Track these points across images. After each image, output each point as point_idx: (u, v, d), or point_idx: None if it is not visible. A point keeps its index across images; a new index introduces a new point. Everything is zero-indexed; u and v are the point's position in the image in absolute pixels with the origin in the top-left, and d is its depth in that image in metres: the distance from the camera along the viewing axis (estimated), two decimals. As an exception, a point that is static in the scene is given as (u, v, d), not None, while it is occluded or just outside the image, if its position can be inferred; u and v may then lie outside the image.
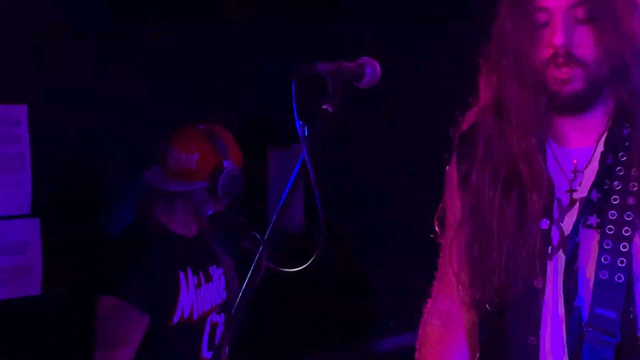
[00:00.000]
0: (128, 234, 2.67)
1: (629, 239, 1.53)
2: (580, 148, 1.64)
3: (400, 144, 3.56)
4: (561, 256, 1.60)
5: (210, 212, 2.62)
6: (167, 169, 2.63)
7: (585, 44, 1.54)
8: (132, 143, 3.13)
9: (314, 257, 1.45)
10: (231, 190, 2.61)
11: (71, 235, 2.93)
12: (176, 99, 3.30)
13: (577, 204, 1.62)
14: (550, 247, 1.61)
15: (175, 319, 2.56)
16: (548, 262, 1.60)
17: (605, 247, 1.55)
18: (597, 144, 1.61)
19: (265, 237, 1.44)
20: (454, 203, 1.73)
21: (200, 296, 2.64)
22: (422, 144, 3.19)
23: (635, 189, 1.55)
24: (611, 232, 1.56)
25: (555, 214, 1.62)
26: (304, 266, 1.47)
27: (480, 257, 1.64)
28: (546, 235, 1.61)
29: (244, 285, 1.40)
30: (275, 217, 1.45)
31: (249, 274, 1.43)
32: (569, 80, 1.55)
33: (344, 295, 3.74)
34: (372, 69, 1.52)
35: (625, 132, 1.58)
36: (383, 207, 3.61)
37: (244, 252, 2.60)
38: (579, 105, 1.59)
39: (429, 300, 1.81)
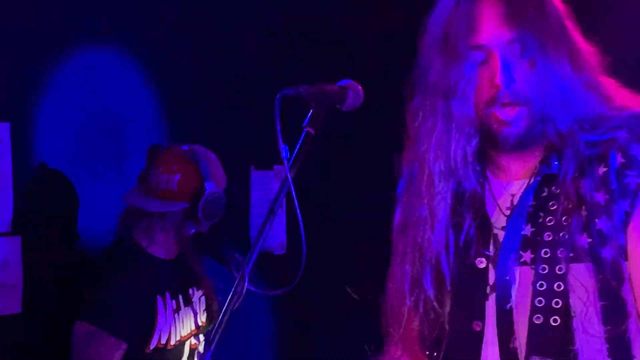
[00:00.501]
0: (107, 257, 2.64)
1: (563, 277, 1.48)
2: (517, 181, 1.58)
3: (384, 165, 3.56)
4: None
5: (192, 232, 2.61)
6: (149, 190, 2.61)
7: (527, 81, 1.49)
8: (115, 162, 3.12)
9: (296, 279, 1.45)
10: (212, 213, 2.59)
11: (52, 253, 2.91)
12: (159, 119, 3.30)
13: None
14: (487, 287, 1.55)
15: (152, 345, 2.54)
16: (486, 302, 1.54)
17: (539, 288, 1.49)
18: (534, 177, 1.55)
19: (247, 259, 1.43)
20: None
21: (178, 320, 2.62)
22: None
23: (567, 223, 1.49)
24: (544, 272, 1.50)
25: (491, 252, 1.56)
26: (286, 289, 1.46)
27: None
28: (481, 274, 1.55)
29: (225, 308, 1.40)
30: (257, 238, 1.44)
31: (230, 295, 1.42)
32: (512, 121, 1.49)
33: (325, 317, 3.75)
34: (354, 92, 1.52)
35: (555, 162, 1.53)
36: (367, 229, 3.62)
37: (226, 272, 2.62)
38: (521, 145, 1.52)
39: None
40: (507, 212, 1.56)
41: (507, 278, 1.52)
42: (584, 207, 1.49)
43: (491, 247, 1.56)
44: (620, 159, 1.50)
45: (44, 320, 2.85)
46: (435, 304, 1.57)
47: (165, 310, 2.57)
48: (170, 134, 3.13)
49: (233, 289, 1.41)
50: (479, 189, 1.57)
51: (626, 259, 1.48)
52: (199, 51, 3.44)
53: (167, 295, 2.60)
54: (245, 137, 3.53)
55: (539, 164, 1.55)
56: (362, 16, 3.76)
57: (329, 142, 1.74)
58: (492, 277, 1.55)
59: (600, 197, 1.49)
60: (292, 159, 1.45)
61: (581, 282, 1.48)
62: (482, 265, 1.56)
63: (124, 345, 2.46)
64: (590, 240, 1.48)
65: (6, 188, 2.84)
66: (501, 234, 1.55)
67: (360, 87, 1.53)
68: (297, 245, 1.48)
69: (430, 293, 1.57)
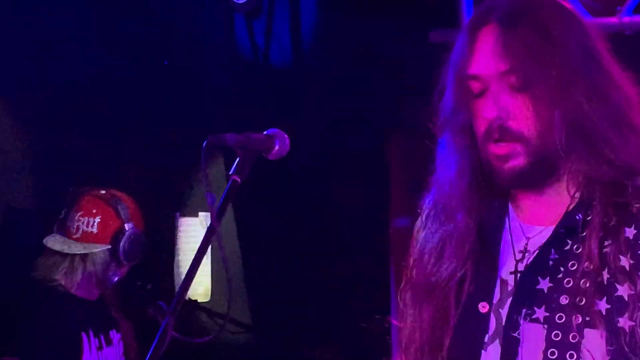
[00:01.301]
0: (32, 298, 2.73)
1: (577, 346, 1.37)
2: (536, 226, 1.47)
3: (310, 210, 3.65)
4: (496, 347, 1.44)
5: (115, 279, 2.70)
6: (69, 233, 2.71)
7: (522, 116, 1.38)
8: (39, 205, 3.17)
9: (221, 326, 1.44)
10: (133, 253, 2.70)
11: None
12: (85, 165, 3.35)
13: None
14: (486, 336, 1.44)
15: None
16: (483, 352, 1.44)
17: (550, 357, 1.39)
18: (557, 226, 1.43)
19: (172, 306, 1.43)
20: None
21: (102, 358, 2.68)
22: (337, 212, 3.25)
23: (585, 287, 1.39)
24: (557, 339, 1.39)
25: (496, 297, 1.45)
26: (211, 336, 1.46)
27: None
28: (484, 320, 1.45)
29: (149, 355, 1.38)
30: (182, 285, 1.44)
31: (154, 343, 1.41)
32: (508, 156, 1.39)
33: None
34: (281, 141, 1.53)
35: (579, 215, 1.42)
36: (294, 277, 3.67)
37: (150, 319, 2.67)
38: (527, 182, 1.42)
39: None
40: (519, 256, 1.45)
41: (516, 335, 1.42)
42: (606, 269, 1.38)
43: (496, 292, 1.45)
44: None
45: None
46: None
47: (90, 348, 2.65)
48: (97, 179, 3.16)
49: (157, 337, 1.41)
50: (496, 225, 1.47)
51: None
52: (127, 99, 3.49)
53: (91, 332, 2.68)
54: (170, 184, 3.57)
55: (565, 212, 1.43)
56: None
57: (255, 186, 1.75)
58: (492, 326, 1.44)
59: (626, 261, 1.38)
60: (219, 206, 1.45)
61: (593, 350, 1.38)
62: (484, 310, 1.45)
63: None
64: (608, 306, 1.38)
65: None
66: (510, 279, 1.45)
67: (286, 136, 1.54)
68: (222, 293, 1.48)
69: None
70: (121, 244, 2.66)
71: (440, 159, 1.49)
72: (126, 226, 2.68)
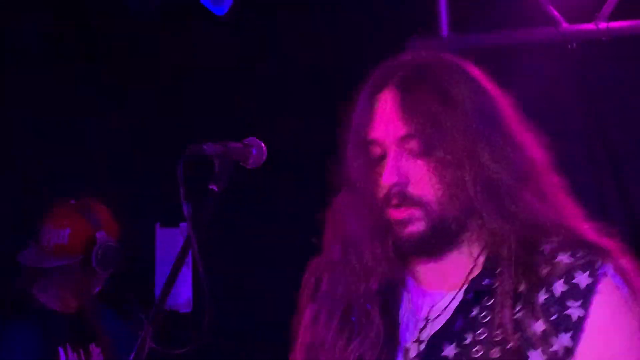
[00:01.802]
0: (7, 313, 2.76)
1: None
2: (437, 292, 1.48)
3: (288, 222, 3.76)
4: None
5: (96, 290, 2.73)
6: (41, 247, 2.74)
7: (423, 181, 1.41)
8: (15, 218, 3.22)
9: (201, 338, 1.45)
10: (107, 262, 2.73)
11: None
12: (64, 175, 3.42)
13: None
14: None
15: None
16: None
17: None
18: (462, 291, 1.45)
19: (151, 317, 1.45)
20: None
21: None
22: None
23: (499, 338, 1.40)
24: None
25: None
26: (190, 347, 1.47)
27: None
28: None
29: (128, 366, 1.40)
30: (160, 295, 1.46)
31: (133, 354, 1.43)
32: (407, 221, 1.41)
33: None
34: (258, 149, 1.57)
35: (486, 281, 1.43)
36: (278, 285, 3.78)
37: (130, 330, 2.69)
38: (427, 248, 1.44)
39: None
40: (422, 324, 1.46)
41: None
42: (518, 334, 1.40)
43: None
44: (563, 287, 1.41)
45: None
46: None
47: None
48: (75, 189, 3.22)
49: (136, 348, 1.42)
50: (396, 292, 1.48)
51: None
52: (107, 106, 3.58)
53: (69, 347, 2.71)
54: (150, 194, 3.64)
55: (470, 277, 1.45)
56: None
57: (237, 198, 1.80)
58: None
59: (538, 327, 1.40)
60: (198, 216, 1.49)
61: None
62: None
63: None
64: None
65: None
66: (413, 348, 1.45)
67: (263, 145, 1.57)
68: (203, 303, 1.51)
69: None
70: (94, 253, 2.68)
71: (337, 221, 1.49)
72: (97, 235, 2.69)
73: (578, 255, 1.40)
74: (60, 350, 2.67)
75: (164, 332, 1.48)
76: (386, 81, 1.41)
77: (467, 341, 1.40)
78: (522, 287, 1.39)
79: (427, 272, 1.45)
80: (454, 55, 1.53)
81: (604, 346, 1.39)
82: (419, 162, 1.38)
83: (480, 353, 1.39)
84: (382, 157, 1.39)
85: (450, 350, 1.40)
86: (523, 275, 1.40)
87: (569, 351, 1.37)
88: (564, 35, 3.83)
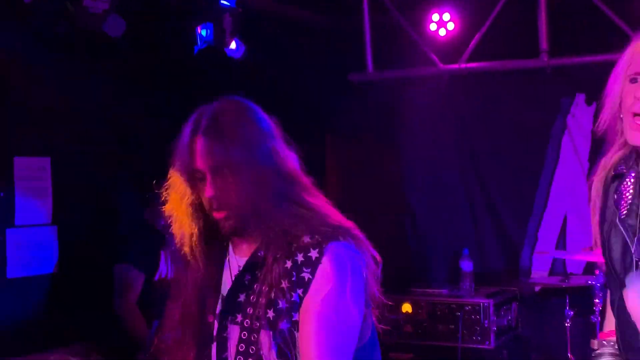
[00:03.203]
0: None
1: (257, 331, 1.91)
2: (242, 258, 2.02)
3: None
4: (215, 344, 1.98)
5: None
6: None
7: (229, 193, 1.93)
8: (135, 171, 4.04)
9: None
10: None
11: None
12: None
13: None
14: (211, 337, 1.99)
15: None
16: (212, 346, 1.99)
17: (243, 337, 1.93)
18: (248, 257, 1.98)
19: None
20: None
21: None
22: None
23: (266, 292, 1.92)
24: (247, 325, 1.92)
25: (218, 309, 2.00)
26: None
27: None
28: (210, 327, 2.00)
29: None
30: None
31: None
32: (225, 219, 1.95)
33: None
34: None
35: (261, 252, 1.96)
36: None
37: None
38: (238, 233, 1.98)
39: None
40: (233, 279, 2.01)
41: (225, 335, 1.97)
42: (273, 289, 1.92)
43: (219, 306, 2.00)
44: (301, 258, 1.92)
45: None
46: None
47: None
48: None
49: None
50: (221, 260, 2.04)
51: (297, 330, 1.90)
52: None
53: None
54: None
55: (256, 248, 1.98)
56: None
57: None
58: (215, 330, 1.99)
59: (285, 284, 1.91)
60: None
61: (265, 345, 1.91)
62: (210, 320, 2.01)
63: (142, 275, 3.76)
64: (274, 315, 1.91)
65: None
66: (225, 295, 2.01)
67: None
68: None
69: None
70: None
71: (180, 223, 2.02)
72: None
73: (315, 237, 1.93)
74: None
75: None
76: (198, 128, 1.95)
77: (250, 291, 1.95)
78: (279, 255, 1.94)
79: (237, 245, 2.04)
80: (242, 100, 2.04)
81: (320, 297, 1.90)
82: (226, 181, 1.92)
83: (254, 300, 1.92)
84: (203, 178, 1.94)
85: (242, 297, 1.97)
86: (282, 249, 1.94)
87: (301, 300, 1.90)
88: (440, 72, 4.98)
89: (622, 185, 2.17)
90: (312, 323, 1.89)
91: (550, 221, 5.16)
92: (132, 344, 3.64)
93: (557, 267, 4.88)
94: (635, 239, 2.12)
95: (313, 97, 5.01)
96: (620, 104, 2.09)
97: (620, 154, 2.18)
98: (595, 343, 2.34)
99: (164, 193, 2.04)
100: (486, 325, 4.70)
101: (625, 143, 2.15)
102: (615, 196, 2.16)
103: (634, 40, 2.12)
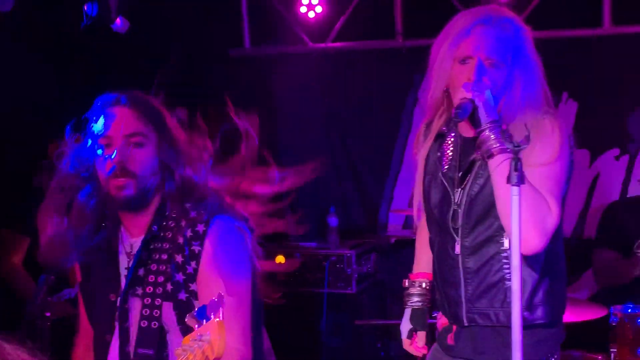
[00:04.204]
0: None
1: (159, 308, 1.92)
2: (136, 237, 2.00)
3: None
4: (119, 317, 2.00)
5: None
6: None
7: (136, 161, 1.90)
8: None
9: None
10: None
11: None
12: None
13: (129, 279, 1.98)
14: (117, 313, 1.99)
15: None
16: (116, 322, 2.01)
17: (144, 314, 1.93)
18: (146, 234, 1.97)
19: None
20: None
21: None
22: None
23: (164, 268, 1.93)
24: (148, 304, 1.93)
25: (122, 287, 2.00)
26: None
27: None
28: (113, 304, 2.01)
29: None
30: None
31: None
32: (123, 187, 1.91)
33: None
34: None
35: (155, 227, 1.95)
36: None
37: None
38: (133, 206, 1.94)
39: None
40: (130, 257, 2.00)
41: (127, 307, 1.99)
42: (169, 264, 1.93)
43: (121, 284, 2.01)
44: (190, 233, 1.93)
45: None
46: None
47: None
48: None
49: None
50: (113, 239, 2.02)
51: (197, 299, 1.93)
52: None
53: None
54: None
55: (149, 225, 1.96)
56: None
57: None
58: (120, 306, 2.00)
59: (179, 258, 1.92)
60: None
61: (166, 315, 1.94)
62: (113, 299, 2.02)
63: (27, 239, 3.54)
64: (172, 287, 1.93)
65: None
66: (124, 272, 2.01)
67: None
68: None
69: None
70: None
71: (80, 198, 1.99)
72: None
73: (200, 212, 1.95)
74: None
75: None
76: (119, 100, 1.97)
77: (149, 266, 1.96)
78: (171, 234, 1.95)
79: (131, 223, 2.01)
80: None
81: (212, 267, 1.92)
82: (139, 150, 1.92)
83: (152, 276, 1.95)
84: (108, 145, 1.92)
85: (141, 272, 1.98)
86: (173, 226, 1.96)
87: (196, 271, 1.93)
88: (309, 50, 5.13)
89: (444, 144, 2.21)
90: (209, 289, 1.88)
91: (404, 182, 5.22)
92: (21, 302, 3.43)
93: (410, 222, 4.93)
94: (456, 189, 2.18)
95: (196, 71, 5.09)
96: (448, 81, 2.11)
97: (442, 120, 2.22)
98: (406, 282, 2.43)
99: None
100: (349, 273, 4.77)
101: (444, 111, 2.20)
102: (439, 153, 2.21)
103: (458, 19, 2.14)
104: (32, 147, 3.68)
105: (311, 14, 4.98)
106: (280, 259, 4.81)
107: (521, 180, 1.78)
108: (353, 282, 4.78)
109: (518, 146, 1.78)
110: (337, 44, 5.07)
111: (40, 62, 3.96)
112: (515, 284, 1.79)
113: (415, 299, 2.35)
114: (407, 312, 2.36)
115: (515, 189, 1.78)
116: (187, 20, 4.96)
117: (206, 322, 1.53)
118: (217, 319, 1.50)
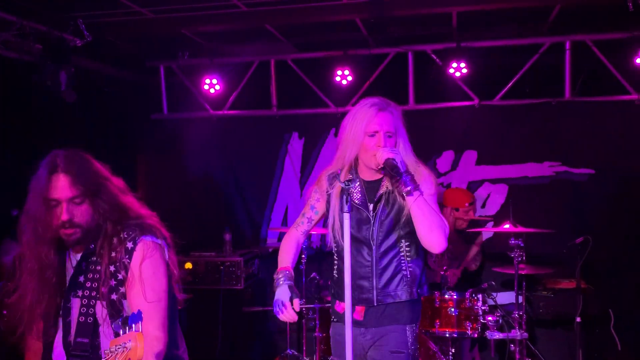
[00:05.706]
0: None
1: (93, 307, 2.08)
2: (77, 254, 2.15)
3: None
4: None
5: None
6: None
7: (80, 216, 2.07)
8: None
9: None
10: None
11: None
12: None
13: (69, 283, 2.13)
14: (59, 309, 2.14)
15: None
16: (60, 318, 2.16)
17: (82, 308, 2.09)
18: (84, 251, 2.14)
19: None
20: None
21: None
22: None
23: (98, 276, 2.08)
24: (86, 298, 2.08)
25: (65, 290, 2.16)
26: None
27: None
28: (58, 304, 2.14)
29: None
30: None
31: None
32: (72, 234, 2.09)
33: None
34: None
35: (92, 246, 2.11)
36: None
37: None
38: (79, 244, 2.11)
39: None
40: (71, 271, 2.17)
41: (69, 305, 2.15)
42: (104, 272, 2.09)
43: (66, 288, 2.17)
44: (121, 249, 2.10)
45: None
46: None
47: None
48: None
49: None
50: (62, 264, 2.18)
51: (125, 299, 2.09)
52: None
53: None
54: None
55: (87, 245, 2.12)
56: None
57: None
58: (62, 303, 2.14)
59: (112, 268, 2.10)
60: None
61: (99, 313, 2.09)
62: (59, 301, 2.14)
63: None
64: (105, 290, 2.10)
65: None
66: (71, 284, 2.18)
67: None
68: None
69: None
70: None
71: (29, 244, 2.16)
72: None
73: (130, 233, 2.15)
74: None
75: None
76: (56, 168, 2.12)
77: (87, 274, 2.15)
78: (106, 250, 2.15)
79: (74, 247, 2.21)
80: (79, 150, 2.15)
81: (137, 274, 2.09)
82: (81, 207, 2.11)
83: (89, 285, 2.11)
84: (57, 204, 2.11)
85: (81, 279, 2.17)
86: (109, 245, 2.15)
87: (125, 278, 2.12)
88: (210, 116, 5.55)
89: (353, 187, 2.61)
90: (135, 290, 2.10)
91: (278, 209, 5.63)
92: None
93: (282, 236, 4.23)
94: (370, 213, 2.54)
95: (126, 131, 5.63)
96: (359, 147, 2.52)
97: (345, 170, 2.62)
98: (278, 273, 2.67)
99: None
100: (239, 274, 5.13)
101: (351, 166, 2.59)
102: (345, 196, 2.41)
103: (364, 106, 2.52)
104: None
105: (212, 90, 5.55)
106: (188, 265, 5.23)
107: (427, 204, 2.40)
108: (242, 280, 5.16)
109: (418, 186, 2.41)
110: (231, 112, 5.63)
111: (10, 124, 4.29)
112: (347, 279, 2.27)
113: (287, 280, 2.70)
114: (285, 288, 2.70)
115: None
116: (122, 92, 5.52)
117: (129, 331, 1.75)
118: (137, 331, 1.71)
